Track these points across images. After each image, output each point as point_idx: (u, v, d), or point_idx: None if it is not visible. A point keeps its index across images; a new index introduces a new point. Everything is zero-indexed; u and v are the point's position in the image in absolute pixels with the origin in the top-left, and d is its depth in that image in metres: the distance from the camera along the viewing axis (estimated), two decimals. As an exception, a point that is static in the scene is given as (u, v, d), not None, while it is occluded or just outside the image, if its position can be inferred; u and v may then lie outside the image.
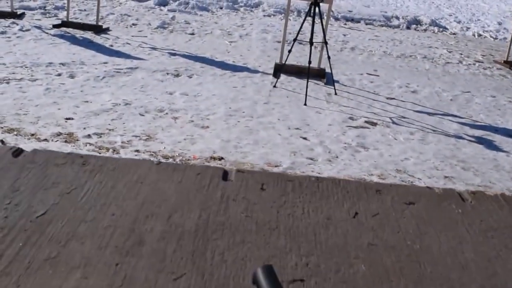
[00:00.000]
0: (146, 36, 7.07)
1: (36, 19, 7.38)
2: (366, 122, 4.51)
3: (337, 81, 5.60)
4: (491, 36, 9.88)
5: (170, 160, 3.30)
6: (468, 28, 10.25)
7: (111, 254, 0.84)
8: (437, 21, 10.40)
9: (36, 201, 0.97)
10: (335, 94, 5.21)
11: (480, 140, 4.36)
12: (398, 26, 9.85)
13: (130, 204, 0.99)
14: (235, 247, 0.89)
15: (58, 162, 1.15)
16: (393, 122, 4.59)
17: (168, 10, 8.96)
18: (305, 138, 3.99)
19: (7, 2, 7.75)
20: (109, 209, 0.97)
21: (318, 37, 5.72)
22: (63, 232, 0.88)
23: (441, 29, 10.01)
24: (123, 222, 0.93)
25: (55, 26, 6.92)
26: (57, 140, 3.46)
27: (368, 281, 0.85)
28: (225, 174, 1.13)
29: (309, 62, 4.98)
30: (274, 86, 5.26)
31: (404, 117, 4.76)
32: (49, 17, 7.66)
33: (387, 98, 5.31)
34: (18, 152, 1.20)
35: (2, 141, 3.27)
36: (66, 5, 7.35)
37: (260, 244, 0.91)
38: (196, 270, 0.82)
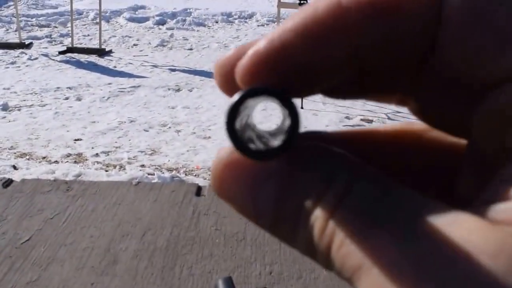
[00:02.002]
0: (147, 55, 7.33)
1: (43, 48, 7.70)
2: (362, 120, 4.68)
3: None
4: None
5: (174, 172, 3.51)
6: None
7: (87, 275, 0.98)
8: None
9: (21, 228, 1.11)
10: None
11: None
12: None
13: (108, 225, 1.12)
14: (203, 260, 1.02)
15: (44, 190, 1.29)
16: (389, 118, 4.74)
17: (167, 28, 9.24)
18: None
19: (15, 34, 8.10)
20: (88, 231, 1.11)
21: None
22: (44, 256, 1.02)
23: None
24: (100, 243, 1.06)
25: (61, 53, 7.22)
26: (67, 161, 3.69)
27: (328, 285, 0.99)
28: (198, 190, 1.27)
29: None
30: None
31: (399, 112, 4.91)
32: (55, 44, 7.97)
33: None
34: (8, 182, 1.36)
35: (14, 167, 3.50)
36: (70, 31, 7.66)
37: (227, 256, 1.04)
38: (164, 285, 0.97)
